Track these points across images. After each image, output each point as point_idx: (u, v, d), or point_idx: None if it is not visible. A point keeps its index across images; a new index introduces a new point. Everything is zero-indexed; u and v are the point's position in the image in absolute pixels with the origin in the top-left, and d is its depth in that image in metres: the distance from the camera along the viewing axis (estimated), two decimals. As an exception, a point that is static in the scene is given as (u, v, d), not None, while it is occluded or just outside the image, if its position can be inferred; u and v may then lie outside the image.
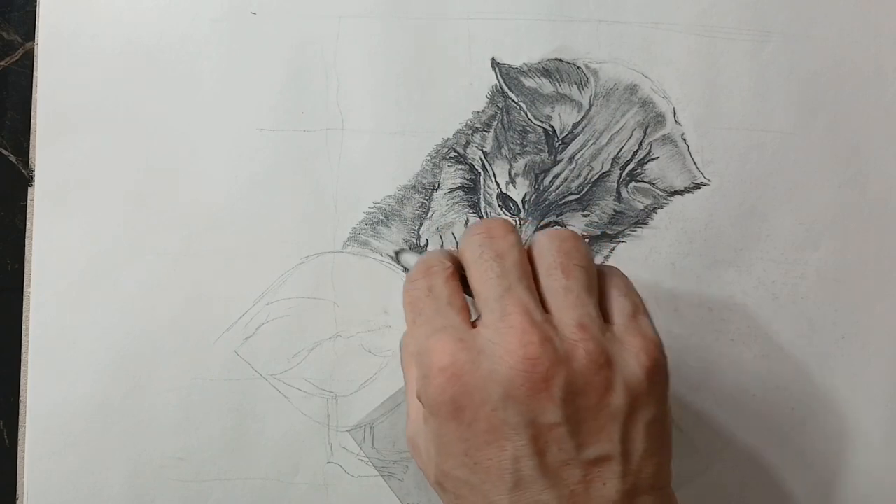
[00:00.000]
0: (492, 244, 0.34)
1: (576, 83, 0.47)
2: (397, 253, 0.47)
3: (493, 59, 0.47)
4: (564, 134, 0.47)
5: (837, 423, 0.47)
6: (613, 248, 0.47)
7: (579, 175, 0.47)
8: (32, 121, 0.47)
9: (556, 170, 0.47)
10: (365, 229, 0.47)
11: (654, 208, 0.47)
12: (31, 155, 0.47)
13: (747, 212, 0.47)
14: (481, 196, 0.47)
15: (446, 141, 0.47)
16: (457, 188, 0.47)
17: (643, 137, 0.47)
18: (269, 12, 0.47)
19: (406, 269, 0.47)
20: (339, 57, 0.47)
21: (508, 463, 0.31)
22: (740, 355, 0.47)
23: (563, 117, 0.47)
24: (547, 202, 0.47)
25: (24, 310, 0.46)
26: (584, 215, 0.47)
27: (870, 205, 0.47)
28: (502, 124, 0.47)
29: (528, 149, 0.47)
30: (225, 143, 0.47)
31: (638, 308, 0.35)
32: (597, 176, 0.47)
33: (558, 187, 0.47)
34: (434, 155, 0.47)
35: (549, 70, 0.47)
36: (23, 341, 0.46)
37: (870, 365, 0.47)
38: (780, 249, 0.47)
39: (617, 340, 0.33)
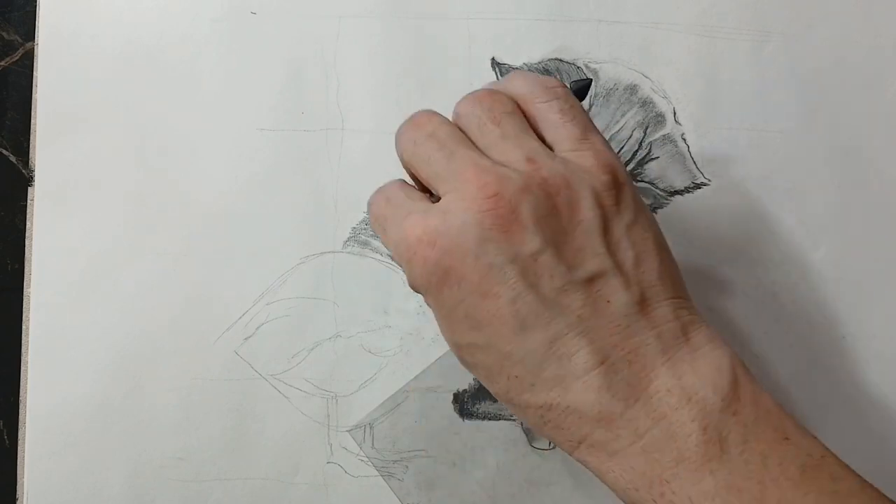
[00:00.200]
0: (420, 131, 0.35)
1: (576, 83, 0.47)
2: None
3: (493, 59, 0.47)
4: (564, 134, 0.46)
5: (838, 424, 0.47)
6: (613, 248, 0.47)
7: (579, 175, 0.46)
8: (32, 121, 0.47)
9: (556, 170, 0.46)
10: (365, 229, 0.47)
11: (654, 208, 0.47)
12: (31, 155, 0.47)
13: (747, 212, 0.47)
14: (481, 196, 0.47)
15: (446, 141, 0.47)
16: (457, 188, 0.47)
17: (643, 137, 0.47)
18: (269, 12, 0.47)
19: None
20: (339, 57, 0.47)
21: (506, 307, 0.31)
22: (741, 355, 0.47)
23: (563, 117, 0.46)
24: (547, 202, 0.47)
25: (24, 310, 0.46)
26: (584, 215, 0.47)
27: (870, 205, 0.47)
28: (502, 124, 0.47)
29: (528, 149, 0.47)
30: (225, 143, 0.47)
31: (586, 128, 0.34)
32: (597, 176, 0.47)
33: (558, 187, 0.47)
34: (434, 155, 0.47)
35: (549, 70, 0.47)
36: (23, 341, 0.46)
37: (870, 365, 0.47)
38: (780, 249, 0.47)
39: (570, 163, 0.33)
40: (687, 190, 0.47)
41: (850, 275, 0.47)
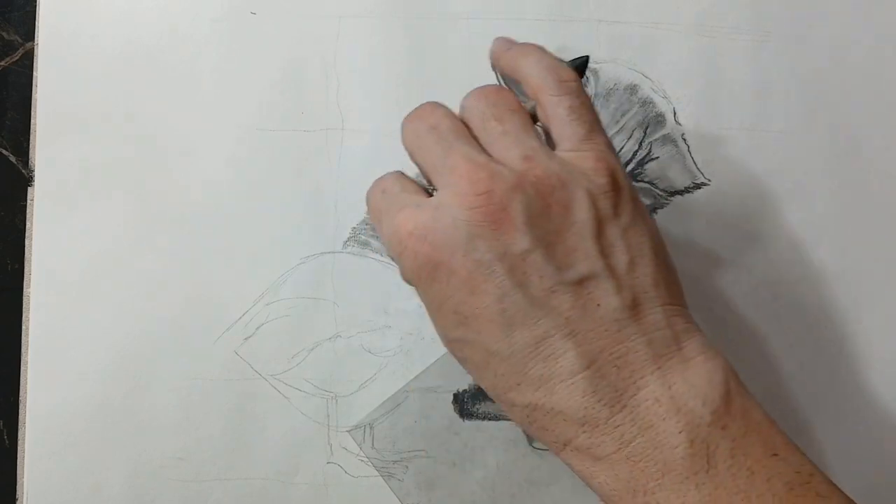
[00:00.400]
0: (423, 122, 0.34)
1: (576, 83, 0.47)
2: None
3: (493, 59, 0.47)
4: (564, 134, 0.46)
5: (838, 424, 0.47)
6: (613, 248, 0.47)
7: (579, 175, 0.46)
8: (32, 121, 0.47)
9: (556, 170, 0.46)
10: (365, 229, 0.47)
11: (654, 208, 0.47)
12: (31, 155, 0.47)
13: (747, 212, 0.47)
14: (481, 196, 0.47)
15: (446, 141, 0.47)
16: (457, 188, 0.47)
17: (643, 137, 0.47)
18: (269, 12, 0.47)
19: None
20: (339, 57, 0.47)
21: (494, 304, 0.31)
22: (740, 355, 0.47)
23: (563, 117, 0.46)
24: (547, 202, 0.47)
25: (24, 310, 0.46)
26: (584, 215, 0.47)
27: (870, 205, 0.47)
28: (502, 124, 0.47)
29: (528, 149, 0.47)
30: (225, 143, 0.47)
31: (592, 128, 0.34)
32: (597, 176, 0.47)
33: (558, 187, 0.46)
34: (434, 155, 0.47)
35: (549, 70, 0.47)
36: (23, 341, 0.46)
37: (870, 365, 0.47)
38: (780, 249, 0.47)
39: (567, 163, 0.32)
40: (687, 190, 0.47)
41: (850, 275, 0.47)
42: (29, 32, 0.47)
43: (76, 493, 0.45)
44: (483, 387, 0.34)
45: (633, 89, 0.47)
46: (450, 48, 0.47)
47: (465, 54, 0.47)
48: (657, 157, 0.47)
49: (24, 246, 0.46)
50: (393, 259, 0.36)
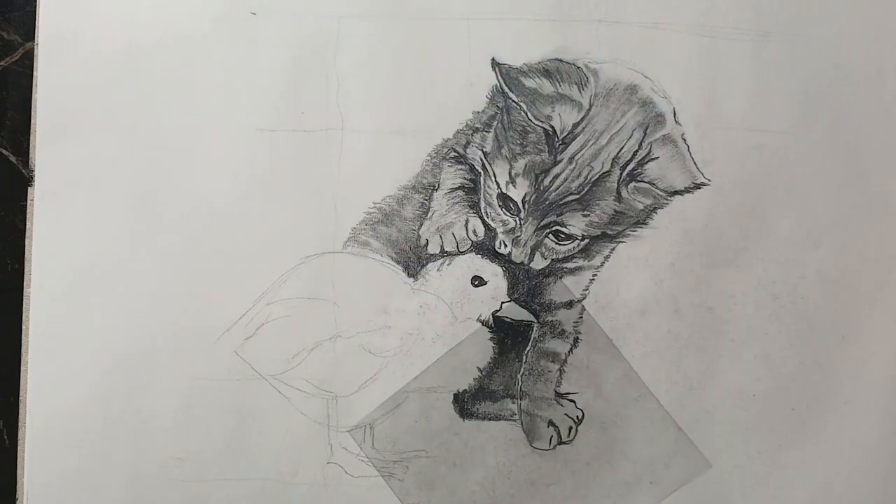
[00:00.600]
0: None
1: (576, 83, 0.47)
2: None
3: (493, 59, 0.47)
4: (564, 134, 0.47)
5: (837, 423, 0.47)
6: (613, 248, 0.47)
7: (579, 175, 0.47)
8: (32, 121, 0.47)
9: (556, 170, 0.47)
10: (365, 230, 0.47)
11: (655, 208, 0.47)
12: (31, 155, 0.47)
13: (747, 212, 0.47)
14: (481, 196, 0.47)
15: (446, 141, 0.47)
16: (457, 188, 0.47)
17: (643, 137, 0.47)
18: (269, 12, 0.47)
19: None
20: (339, 57, 0.47)
21: None
22: (740, 355, 0.47)
23: (563, 117, 0.47)
24: (547, 202, 0.47)
25: (24, 310, 0.46)
26: (584, 215, 0.47)
27: (870, 205, 0.47)
28: (502, 124, 0.47)
29: (528, 149, 0.47)
30: (225, 143, 0.47)
31: None
32: (597, 176, 0.47)
33: (558, 187, 0.47)
34: (434, 155, 0.47)
35: (549, 70, 0.47)
36: (23, 341, 0.46)
37: (870, 365, 0.47)
38: (780, 249, 0.47)
39: None
40: (687, 190, 0.47)
41: (849, 275, 0.47)
42: (29, 32, 0.47)
43: (76, 493, 0.45)
44: None
45: (633, 89, 0.47)
46: (450, 48, 0.47)
47: (465, 54, 0.47)
48: (657, 157, 0.47)
49: (24, 246, 0.46)
50: None
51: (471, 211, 0.47)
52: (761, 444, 0.47)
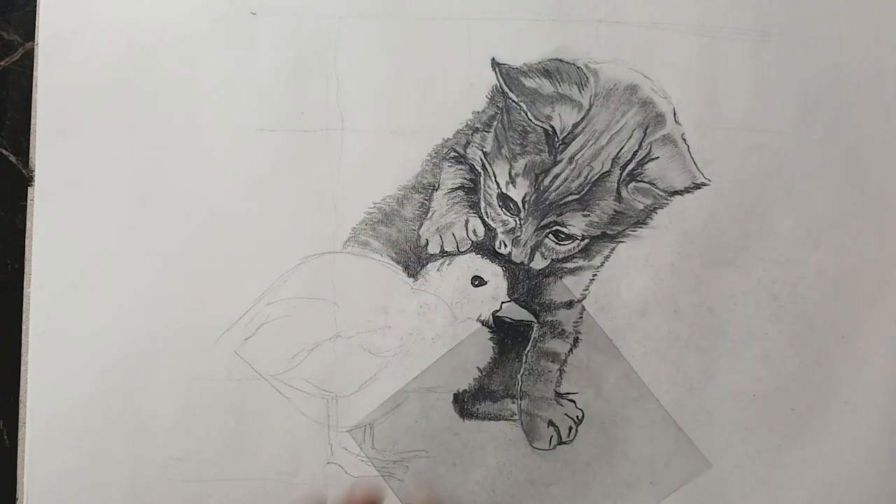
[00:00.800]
0: None
1: (576, 83, 0.47)
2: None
3: (493, 59, 0.47)
4: (564, 134, 0.47)
5: (837, 423, 0.47)
6: (613, 248, 0.47)
7: (579, 175, 0.47)
8: (32, 121, 0.47)
9: (556, 170, 0.47)
10: (365, 229, 0.47)
11: (654, 208, 0.47)
12: (31, 155, 0.47)
13: (747, 212, 0.47)
14: (481, 196, 0.47)
15: (446, 141, 0.47)
16: (457, 188, 0.47)
17: (643, 137, 0.47)
18: (269, 12, 0.47)
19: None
20: (339, 57, 0.47)
21: None
22: (740, 355, 0.47)
23: (563, 117, 0.47)
24: (547, 202, 0.47)
25: (24, 310, 0.46)
26: (584, 215, 0.47)
27: (870, 205, 0.47)
28: (502, 124, 0.47)
29: (528, 149, 0.47)
30: (225, 143, 0.47)
31: None
32: (597, 176, 0.47)
33: (558, 187, 0.47)
34: (434, 155, 0.47)
35: (549, 70, 0.47)
36: (23, 341, 0.46)
37: (870, 365, 0.47)
38: (780, 249, 0.47)
39: None
40: (687, 190, 0.47)
41: (849, 275, 0.47)
42: (29, 32, 0.47)
43: (76, 493, 0.45)
44: None
45: (633, 89, 0.47)
46: (450, 48, 0.47)
47: (465, 54, 0.47)
48: (657, 157, 0.47)
49: (24, 246, 0.46)
50: None
51: (471, 211, 0.47)
52: (761, 444, 0.47)
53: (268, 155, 0.47)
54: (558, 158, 0.47)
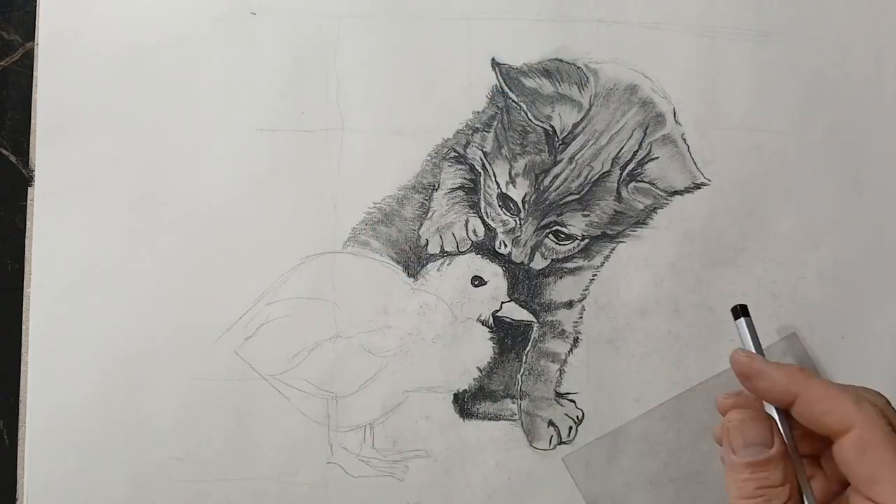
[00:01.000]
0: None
1: (576, 83, 0.47)
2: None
3: (493, 59, 0.47)
4: (564, 134, 0.47)
5: (837, 423, 0.47)
6: (613, 248, 0.47)
7: (579, 175, 0.47)
8: (32, 121, 0.47)
9: (556, 170, 0.47)
10: (365, 229, 0.47)
11: (655, 208, 0.47)
12: (31, 155, 0.47)
13: (747, 212, 0.47)
14: (481, 196, 0.47)
15: (446, 141, 0.47)
16: (457, 188, 0.47)
17: (643, 137, 0.47)
18: (269, 12, 0.47)
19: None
20: (339, 57, 0.47)
21: None
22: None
23: (563, 117, 0.47)
24: (547, 202, 0.47)
25: (24, 310, 0.46)
26: (584, 215, 0.47)
27: (870, 205, 0.47)
28: (502, 124, 0.47)
29: (528, 149, 0.47)
30: (225, 143, 0.47)
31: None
32: (597, 176, 0.47)
33: (558, 187, 0.47)
34: (434, 155, 0.47)
35: (549, 70, 0.47)
36: (23, 341, 0.46)
37: (870, 365, 0.47)
38: (780, 249, 0.47)
39: None
40: (687, 190, 0.47)
41: (849, 275, 0.47)
42: (29, 32, 0.47)
43: (76, 493, 0.45)
44: None
45: (633, 89, 0.47)
46: (450, 48, 0.47)
47: (465, 54, 0.47)
48: (657, 157, 0.47)
49: (24, 246, 0.46)
50: None
51: (471, 211, 0.47)
52: (761, 444, 0.47)
53: (268, 155, 0.47)
54: (558, 158, 0.47)
